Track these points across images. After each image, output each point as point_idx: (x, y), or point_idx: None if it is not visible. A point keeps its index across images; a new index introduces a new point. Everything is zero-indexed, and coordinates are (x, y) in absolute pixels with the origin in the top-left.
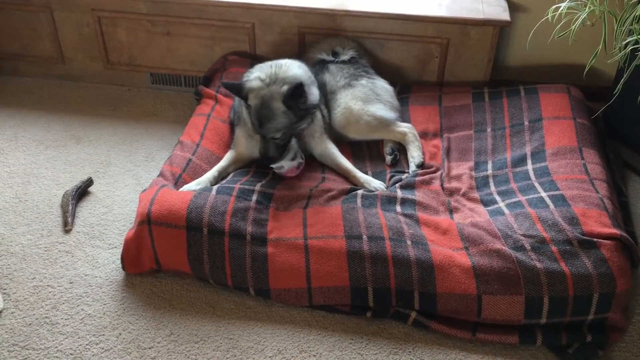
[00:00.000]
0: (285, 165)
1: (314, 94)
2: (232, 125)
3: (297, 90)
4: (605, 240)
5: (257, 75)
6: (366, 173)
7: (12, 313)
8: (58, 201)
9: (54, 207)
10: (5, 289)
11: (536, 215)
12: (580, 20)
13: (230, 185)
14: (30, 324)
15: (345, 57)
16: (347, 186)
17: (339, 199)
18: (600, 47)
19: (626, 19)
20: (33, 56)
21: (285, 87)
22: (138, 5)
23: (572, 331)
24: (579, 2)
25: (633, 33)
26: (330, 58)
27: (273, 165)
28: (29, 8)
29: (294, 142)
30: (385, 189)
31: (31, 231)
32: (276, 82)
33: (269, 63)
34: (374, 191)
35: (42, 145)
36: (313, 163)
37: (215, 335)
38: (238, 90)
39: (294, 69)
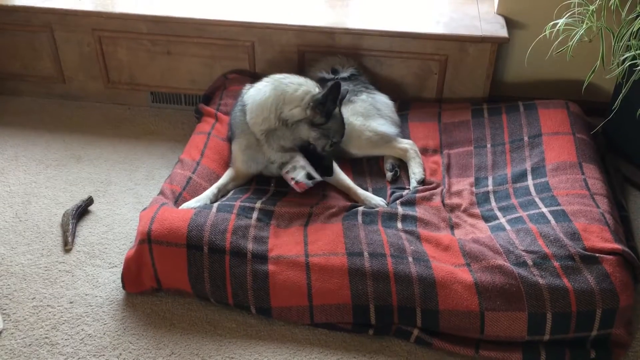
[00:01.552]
0: (291, 173)
1: None
2: (230, 142)
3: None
4: (607, 256)
5: (306, 88)
6: (366, 189)
7: (11, 334)
8: (58, 220)
9: (54, 226)
10: (5, 309)
11: (537, 231)
12: (577, 36)
13: (231, 202)
14: (30, 345)
15: (344, 75)
16: (348, 203)
17: (339, 216)
18: (598, 62)
19: (624, 35)
20: (34, 76)
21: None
22: (138, 24)
23: (576, 347)
24: (577, 19)
25: (631, 49)
26: (330, 76)
27: (308, 181)
28: (30, 28)
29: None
30: (385, 206)
31: (31, 251)
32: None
33: (275, 78)
34: (374, 208)
35: (42, 165)
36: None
37: (217, 355)
38: (338, 94)
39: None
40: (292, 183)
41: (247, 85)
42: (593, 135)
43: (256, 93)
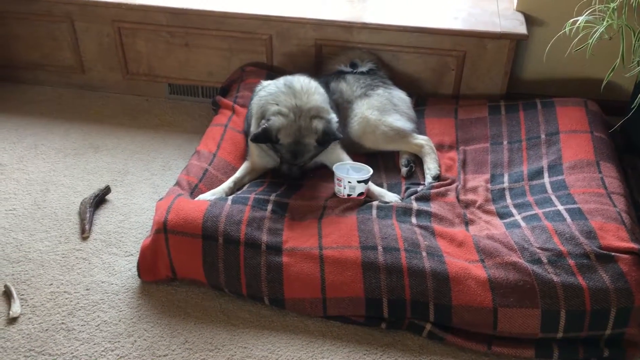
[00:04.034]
0: (354, 193)
1: (335, 119)
2: (246, 136)
3: (329, 134)
4: (623, 255)
5: (277, 109)
6: (381, 184)
7: (29, 318)
8: (76, 209)
9: (72, 214)
10: (22, 295)
11: (553, 229)
12: (597, 34)
13: (246, 195)
14: (46, 330)
15: (363, 69)
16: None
17: (354, 209)
18: (618, 61)
19: None
20: (53, 66)
21: (317, 124)
22: (158, 16)
23: (589, 346)
24: (597, 16)
25: None
26: (349, 69)
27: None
28: (51, 18)
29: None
30: (400, 202)
31: (49, 238)
32: (302, 116)
33: (281, 87)
34: (388, 203)
35: (61, 154)
36: (328, 174)
37: (230, 344)
38: (267, 138)
39: (313, 97)
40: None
41: (262, 83)
42: (611, 134)
43: (256, 102)
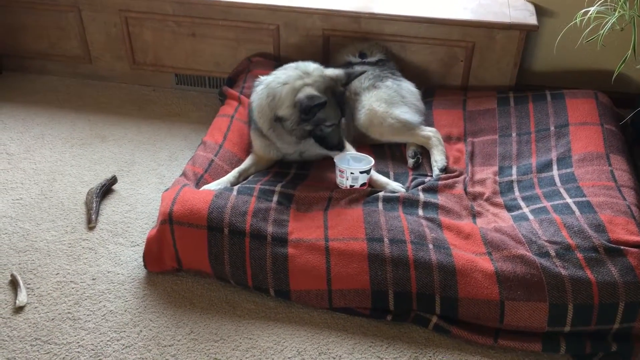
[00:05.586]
0: (356, 184)
1: None
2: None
3: (349, 72)
4: (632, 248)
5: (294, 84)
6: (388, 174)
7: (35, 308)
8: (82, 198)
9: (78, 204)
10: (29, 284)
11: (561, 222)
12: (609, 24)
13: (251, 185)
14: (53, 319)
15: (372, 59)
16: (368, 189)
17: (360, 201)
18: (630, 52)
19: None
20: (61, 55)
21: (332, 72)
22: (164, 6)
23: (597, 340)
24: (608, 7)
25: None
26: (358, 60)
27: (348, 183)
28: (58, 8)
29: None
30: (404, 191)
31: (55, 227)
32: (312, 75)
33: (290, 70)
34: (394, 192)
35: (68, 144)
36: (332, 164)
37: (235, 335)
38: (316, 105)
39: (309, 64)
40: (359, 187)
41: (261, 78)
42: (622, 127)
43: (257, 95)
